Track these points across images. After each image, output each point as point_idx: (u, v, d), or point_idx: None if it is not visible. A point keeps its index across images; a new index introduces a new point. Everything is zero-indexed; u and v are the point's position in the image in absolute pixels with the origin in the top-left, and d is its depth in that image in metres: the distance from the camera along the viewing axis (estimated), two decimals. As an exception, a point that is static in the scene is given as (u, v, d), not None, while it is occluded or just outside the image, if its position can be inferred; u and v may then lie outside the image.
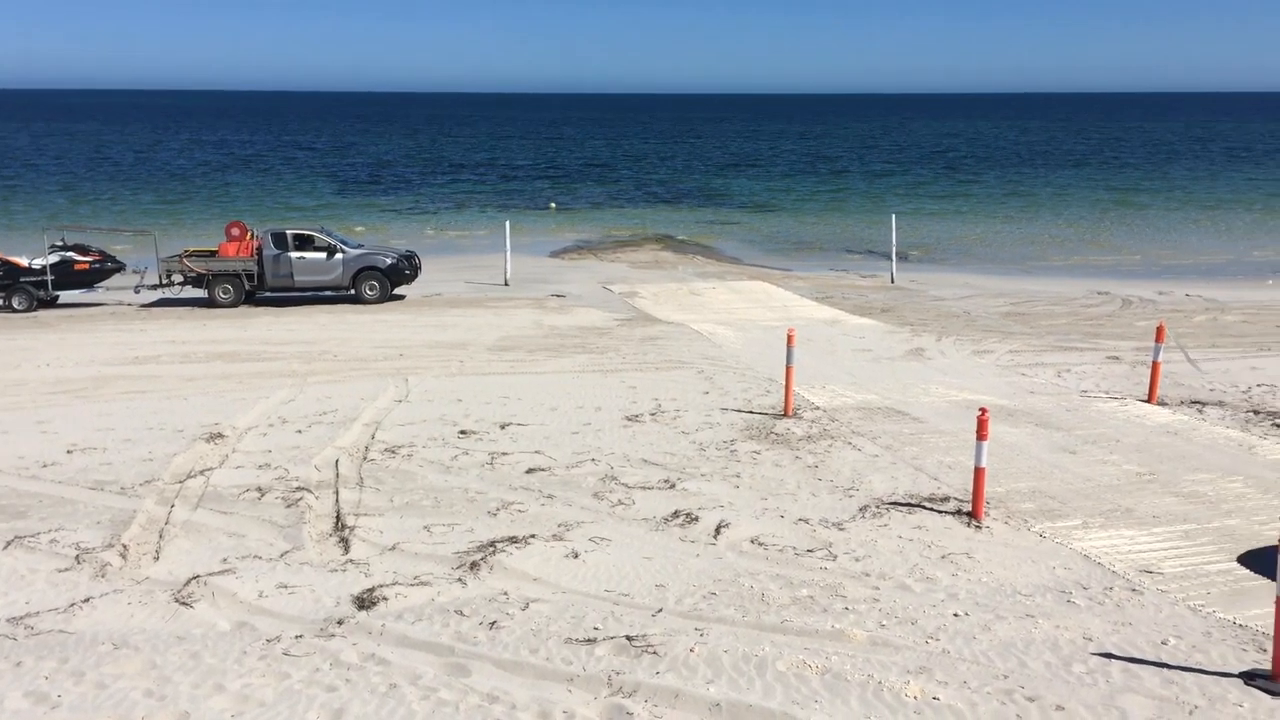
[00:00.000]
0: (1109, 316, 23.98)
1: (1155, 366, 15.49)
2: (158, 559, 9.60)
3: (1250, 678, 7.28)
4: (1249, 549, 9.73)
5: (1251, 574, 9.08)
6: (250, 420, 14.34)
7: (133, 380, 17.01)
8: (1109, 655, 7.66)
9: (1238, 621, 8.19)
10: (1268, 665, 7.33)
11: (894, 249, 31.38)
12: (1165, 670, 7.43)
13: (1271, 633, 7.36)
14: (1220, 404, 15.20)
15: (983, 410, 10.57)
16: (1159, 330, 15.67)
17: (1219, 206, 53.01)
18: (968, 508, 10.69)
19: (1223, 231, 44.42)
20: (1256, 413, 14.69)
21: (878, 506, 10.89)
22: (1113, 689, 7.18)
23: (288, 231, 26.29)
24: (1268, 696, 7.04)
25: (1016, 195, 59.43)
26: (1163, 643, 7.84)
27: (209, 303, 25.68)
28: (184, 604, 8.63)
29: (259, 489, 11.46)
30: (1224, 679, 7.30)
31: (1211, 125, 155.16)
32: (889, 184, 67.05)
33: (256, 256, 25.81)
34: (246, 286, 25.79)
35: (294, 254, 25.84)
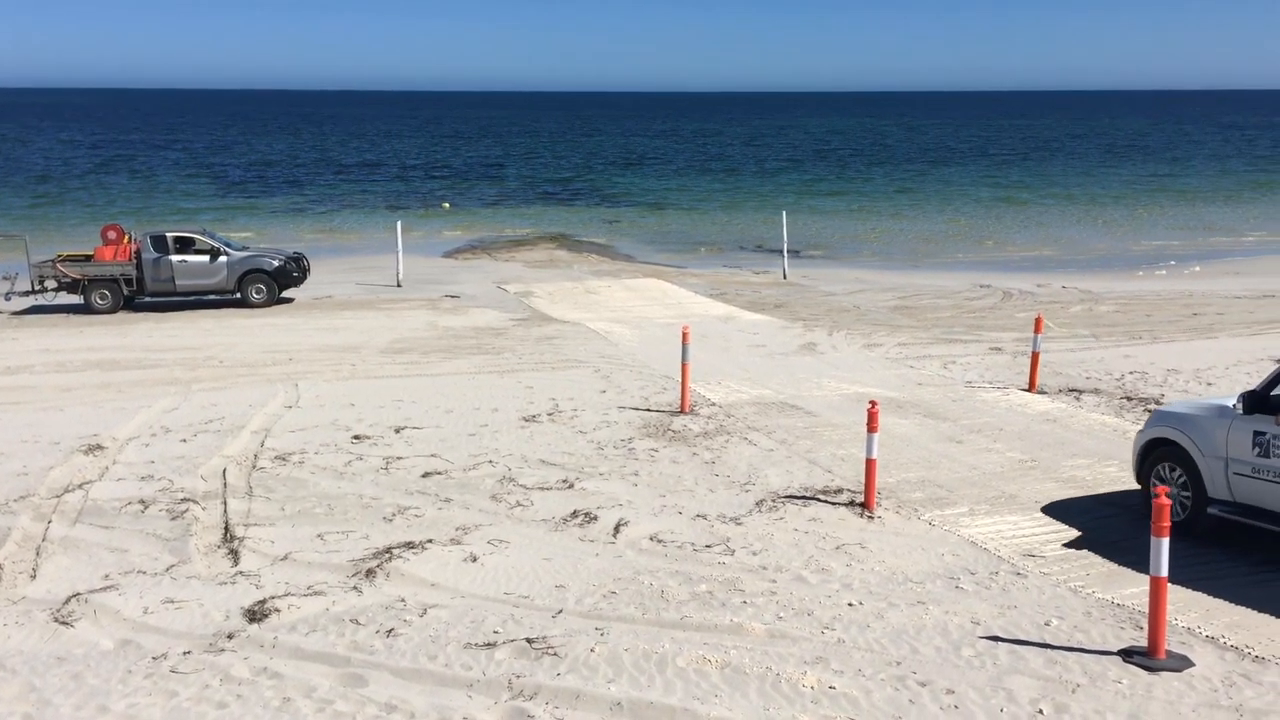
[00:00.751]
0: (991, 309, 24.77)
1: (1035, 356, 16.06)
2: (35, 577, 9.20)
3: (1128, 655, 7.59)
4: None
5: (1120, 555, 9.47)
6: (131, 430, 13.85)
7: (4, 391, 16.27)
8: (996, 638, 7.91)
9: (1116, 601, 8.54)
10: (1144, 642, 7.66)
11: (785, 245, 31.89)
12: (1049, 650, 7.71)
13: (1146, 611, 7.69)
14: (1096, 391, 15.83)
15: (873, 403, 10.81)
16: (1037, 321, 16.25)
17: (1099, 203, 55.10)
18: (860, 499, 10.92)
19: (1110, 226, 46.17)
20: (1129, 399, 15.34)
21: (773, 500, 11.04)
22: (1000, 670, 7.42)
23: (168, 234, 25.45)
24: (1144, 672, 7.36)
25: (905, 192, 60.92)
26: (1046, 624, 8.13)
27: (85, 309, 24.71)
28: (64, 623, 8.29)
29: (142, 501, 11.07)
30: (1104, 657, 7.60)
31: (1088, 122, 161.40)
32: (781, 182, 68.06)
33: (135, 260, 24.93)
34: (125, 291, 24.88)
35: (175, 257, 25.03)
